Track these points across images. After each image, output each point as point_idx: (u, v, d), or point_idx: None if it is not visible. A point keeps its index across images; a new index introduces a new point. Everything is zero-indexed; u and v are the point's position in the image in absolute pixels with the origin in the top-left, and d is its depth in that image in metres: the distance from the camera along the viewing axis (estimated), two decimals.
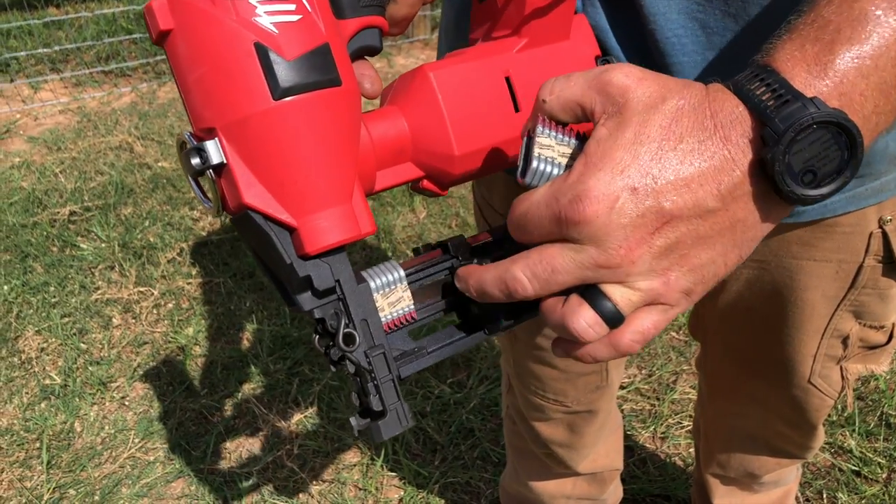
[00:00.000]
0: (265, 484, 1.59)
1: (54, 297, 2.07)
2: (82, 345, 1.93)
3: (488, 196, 0.84)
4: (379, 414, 0.47)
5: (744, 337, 0.88)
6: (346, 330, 0.46)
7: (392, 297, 0.50)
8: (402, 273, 0.51)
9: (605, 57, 0.59)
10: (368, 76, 0.52)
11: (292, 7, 0.43)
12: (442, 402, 1.74)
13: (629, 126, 0.40)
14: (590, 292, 0.42)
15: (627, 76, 0.41)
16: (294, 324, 1.95)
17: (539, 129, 0.44)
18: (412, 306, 0.51)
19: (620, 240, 0.40)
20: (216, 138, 0.43)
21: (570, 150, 0.44)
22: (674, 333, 1.90)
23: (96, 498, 1.57)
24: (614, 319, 0.42)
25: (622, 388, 1.76)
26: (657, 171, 0.39)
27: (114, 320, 2.01)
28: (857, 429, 1.62)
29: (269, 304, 2.04)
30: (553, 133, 0.44)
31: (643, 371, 1.81)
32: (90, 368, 1.86)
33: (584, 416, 1.01)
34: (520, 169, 0.45)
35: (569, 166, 0.43)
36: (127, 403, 1.78)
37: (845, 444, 1.59)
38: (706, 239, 0.41)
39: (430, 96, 0.52)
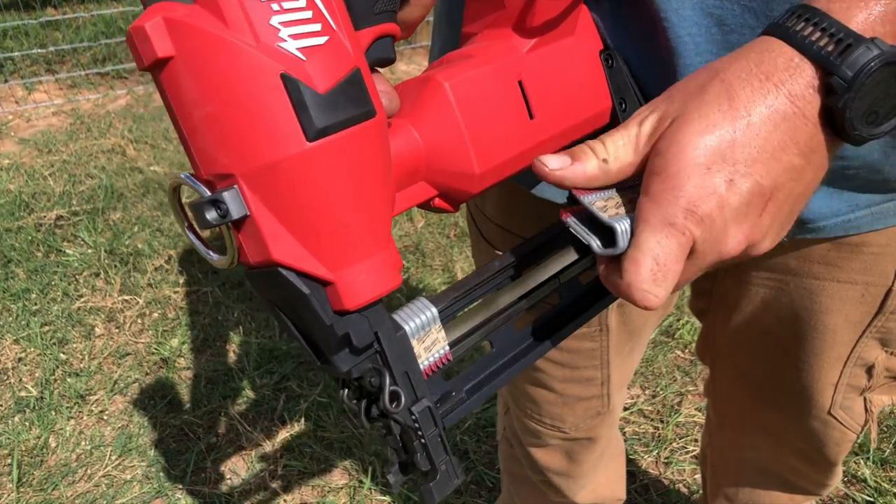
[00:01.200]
0: None
1: (35, 304, 2.00)
2: (62, 355, 1.86)
3: (481, 204, 0.78)
4: (428, 473, 0.43)
5: (757, 363, 0.82)
6: (391, 388, 0.41)
7: (427, 340, 0.45)
8: (435, 311, 0.45)
9: (607, 51, 0.54)
10: (386, 92, 0.45)
11: (318, 27, 0.36)
12: None
13: (688, 125, 0.39)
14: None
15: (648, 108, 0.42)
16: (283, 337, 1.88)
17: (585, 199, 0.43)
18: (447, 347, 0.46)
19: (738, 236, 0.40)
20: (235, 186, 0.36)
21: (616, 198, 0.44)
22: (679, 352, 1.82)
23: None
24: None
25: (624, 409, 1.68)
26: (740, 153, 0.38)
27: (96, 330, 1.94)
28: (871, 457, 1.54)
29: (257, 315, 1.96)
30: (592, 196, 0.44)
31: (647, 392, 1.72)
32: (69, 380, 1.79)
33: (583, 443, 0.94)
34: (598, 245, 0.43)
35: (629, 210, 0.43)
36: (105, 418, 1.71)
37: (859, 473, 1.51)
38: (800, 196, 0.41)
39: (446, 110, 0.46)
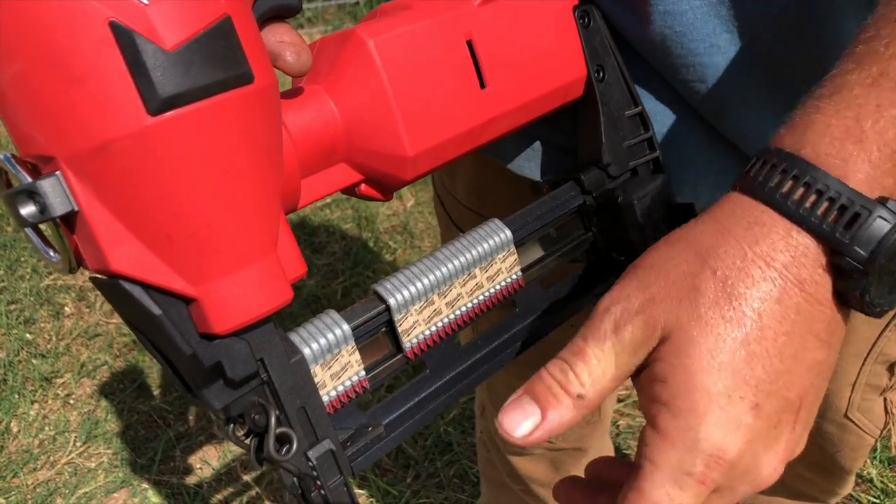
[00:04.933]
0: (217, 498, 1.44)
1: (2, 281, 1.91)
2: (28, 335, 1.77)
3: (450, 185, 0.69)
4: None
5: None
6: (279, 430, 0.33)
7: (336, 364, 0.36)
8: (347, 329, 0.36)
9: (584, 6, 0.45)
10: (290, 44, 0.35)
11: None
12: None
13: (692, 345, 0.32)
14: None
15: (618, 301, 0.34)
16: None
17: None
18: (362, 372, 0.38)
19: (774, 461, 0.33)
20: (57, 173, 0.27)
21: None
22: None
23: None
24: None
25: (618, 400, 1.60)
26: (760, 369, 0.32)
27: (66, 309, 1.85)
28: (877, 456, 1.46)
29: None
30: None
31: None
32: (34, 362, 1.70)
33: (570, 453, 0.86)
34: None
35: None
36: (71, 402, 1.62)
37: (865, 473, 1.43)
38: (821, 388, 0.35)
39: (370, 75, 0.37)
